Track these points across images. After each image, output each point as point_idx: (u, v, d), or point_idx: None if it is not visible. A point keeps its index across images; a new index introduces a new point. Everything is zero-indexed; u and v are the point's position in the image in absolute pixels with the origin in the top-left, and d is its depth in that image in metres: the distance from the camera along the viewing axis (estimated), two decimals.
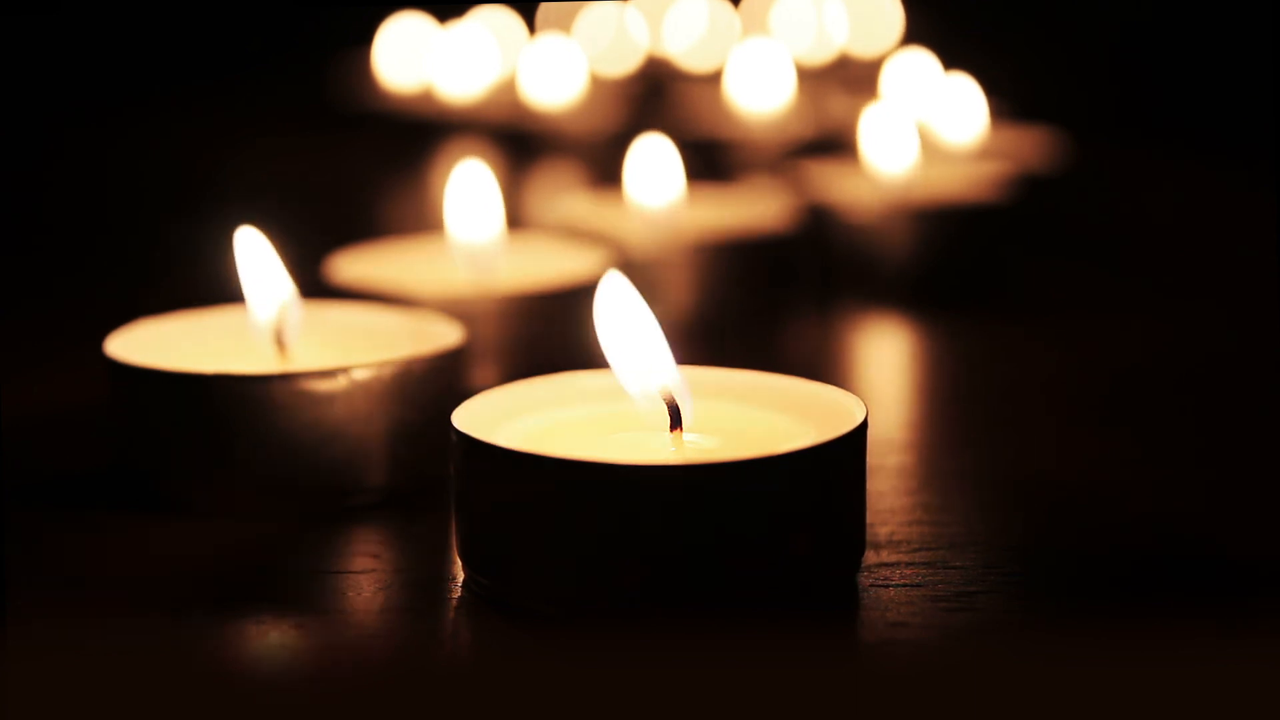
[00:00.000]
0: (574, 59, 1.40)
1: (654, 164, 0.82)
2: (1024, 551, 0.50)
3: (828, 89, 1.39)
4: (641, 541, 0.43)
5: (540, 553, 0.45)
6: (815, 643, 0.44)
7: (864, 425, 0.47)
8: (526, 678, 0.42)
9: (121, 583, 0.48)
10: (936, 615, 0.45)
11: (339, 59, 1.60)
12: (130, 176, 1.28)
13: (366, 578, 0.48)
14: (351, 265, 0.71)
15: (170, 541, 0.51)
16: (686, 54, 1.61)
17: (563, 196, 0.94)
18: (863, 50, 1.59)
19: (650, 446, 0.49)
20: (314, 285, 0.65)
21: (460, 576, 0.48)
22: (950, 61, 1.17)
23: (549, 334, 0.67)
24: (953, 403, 0.71)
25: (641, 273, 0.76)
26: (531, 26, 1.62)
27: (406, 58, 1.54)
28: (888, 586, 0.47)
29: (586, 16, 1.63)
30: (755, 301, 0.80)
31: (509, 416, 0.50)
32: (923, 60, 1.21)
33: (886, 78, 1.20)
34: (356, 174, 1.29)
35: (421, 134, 1.39)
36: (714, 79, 1.40)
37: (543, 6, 1.64)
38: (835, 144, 1.08)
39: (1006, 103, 1.15)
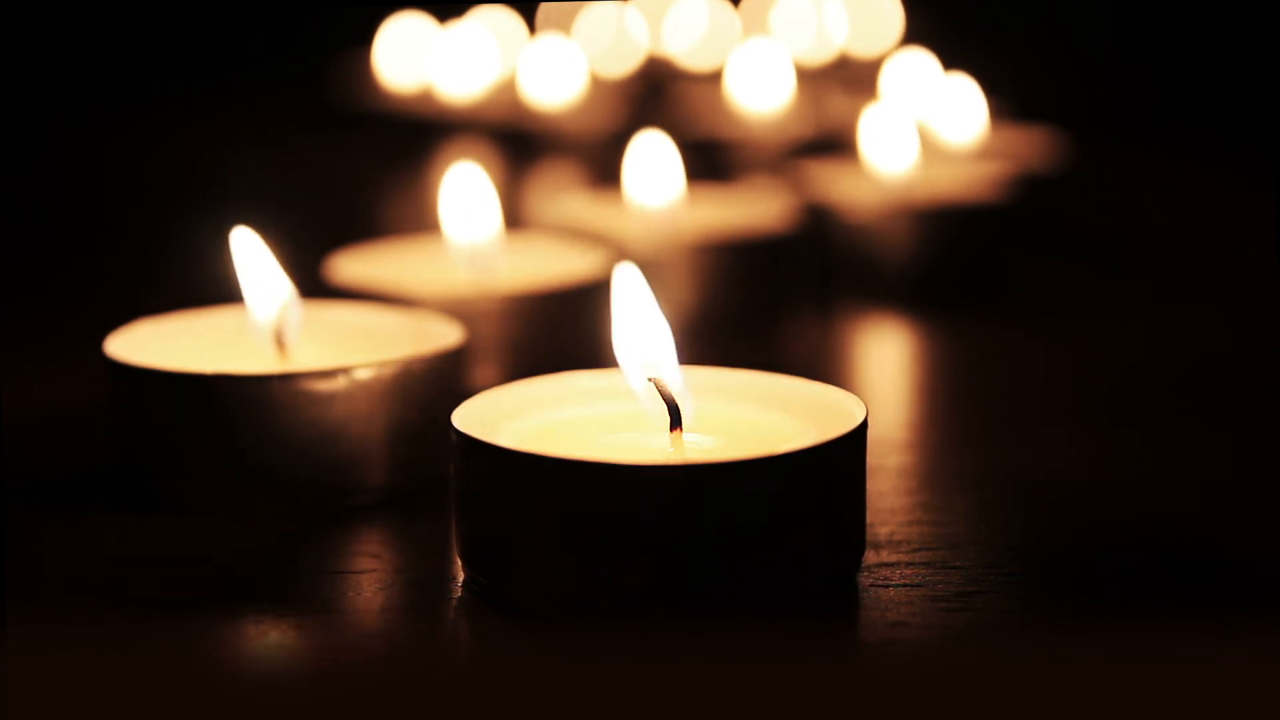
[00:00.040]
0: (574, 59, 1.40)
1: (653, 163, 0.82)
2: (1024, 551, 0.50)
3: (828, 89, 1.39)
4: (641, 541, 0.43)
5: (540, 553, 0.45)
6: (815, 643, 0.44)
7: (864, 425, 0.47)
8: (526, 678, 0.42)
9: (121, 583, 0.48)
10: (936, 615, 0.45)
11: (339, 59, 1.60)
12: (130, 176, 1.28)
13: (366, 578, 0.48)
14: (351, 265, 0.71)
15: (170, 541, 0.51)
16: (686, 54, 1.61)
17: (563, 196, 0.94)
18: (863, 50, 1.59)
19: (650, 446, 0.49)
20: (314, 285, 0.65)
21: (460, 576, 0.48)
22: (950, 61, 1.17)
23: (549, 334, 0.67)
24: (953, 403, 0.71)
25: (641, 272, 0.75)
26: (531, 26, 1.62)
27: (406, 58, 1.54)
28: (888, 586, 0.47)
29: (586, 16, 1.63)
30: (755, 301, 0.80)
31: (509, 416, 0.50)
32: (923, 60, 1.21)
33: (886, 78, 1.20)
34: (356, 174, 1.29)
35: (421, 134, 1.39)
36: (714, 79, 1.40)
37: (543, 6, 1.64)
38: (835, 144, 1.08)
39: (1006, 103, 1.15)
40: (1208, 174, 1.21)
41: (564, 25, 1.61)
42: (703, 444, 0.49)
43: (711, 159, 1.11)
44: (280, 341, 0.58)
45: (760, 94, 1.27)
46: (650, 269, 0.76)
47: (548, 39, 1.46)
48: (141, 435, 0.54)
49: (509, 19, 1.60)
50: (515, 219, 1.02)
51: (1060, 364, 0.73)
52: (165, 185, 1.24)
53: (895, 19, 1.62)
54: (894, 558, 0.49)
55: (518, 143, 1.33)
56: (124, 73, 1.66)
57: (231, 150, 1.38)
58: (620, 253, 0.74)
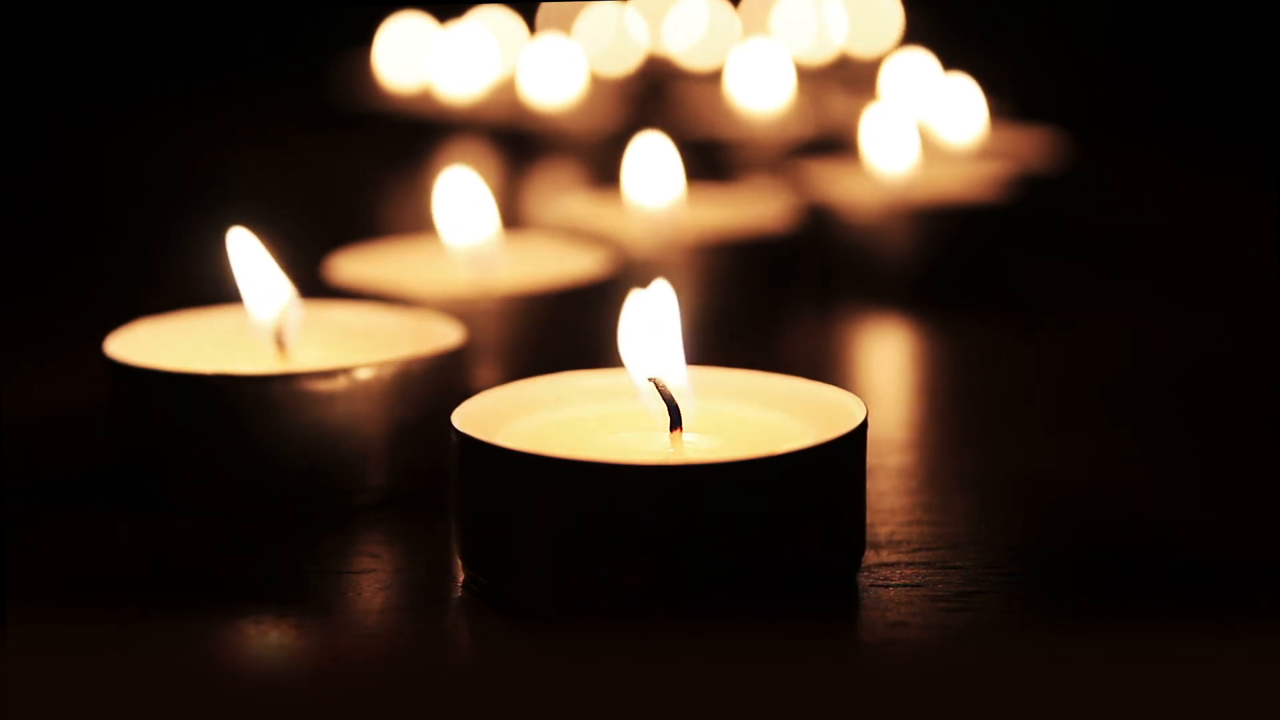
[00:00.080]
0: (574, 59, 1.40)
1: (653, 163, 0.82)
2: (1024, 551, 0.50)
3: (828, 89, 1.39)
4: (641, 541, 0.43)
5: (540, 553, 0.45)
6: (815, 643, 0.44)
7: (864, 425, 0.47)
8: (526, 678, 0.42)
9: (121, 583, 0.48)
10: (936, 615, 0.45)
11: (339, 59, 1.60)
12: (130, 176, 1.28)
13: (366, 578, 0.48)
14: (351, 265, 0.71)
15: (170, 541, 0.51)
16: (686, 54, 1.61)
17: (563, 196, 0.94)
18: (863, 50, 1.59)
19: (650, 446, 0.49)
20: (314, 285, 0.65)
21: (460, 576, 0.48)
22: (950, 61, 1.17)
23: (549, 334, 0.67)
24: (953, 403, 0.71)
25: (641, 273, 0.76)
26: (531, 26, 1.62)
27: (406, 58, 1.54)
28: (888, 586, 0.47)
29: (586, 16, 1.63)
30: (755, 301, 0.80)
31: (509, 416, 0.50)
32: (922, 60, 1.21)
33: (886, 78, 1.20)
34: (356, 174, 1.29)
35: (421, 134, 1.39)
36: (714, 79, 1.40)
37: (543, 6, 1.64)
38: (835, 144, 1.08)
39: (1006, 103, 1.15)
40: (1208, 174, 1.21)
41: (564, 25, 1.61)
42: (703, 444, 0.49)
43: (711, 159, 1.11)
44: (280, 341, 0.58)
45: (760, 94, 1.27)
46: (650, 269, 0.77)
47: (548, 39, 1.46)
48: (141, 435, 0.54)
49: (509, 19, 1.60)
50: (515, 219, 1.02)
51: (1060, 364, 0.73)
52: (165, 185, 1.24)
53: (895, 19, 1.62)
54: (894, 558, 0.49)
55: (518, 143, 1.33)
56: (124, 73, 1.66)
57: (231, 150, 1.38)
58: (620, 253, 0.74)
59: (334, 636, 0.45)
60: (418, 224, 0.72)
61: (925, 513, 0.53)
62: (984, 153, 1.01)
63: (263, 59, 1.73)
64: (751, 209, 0.84)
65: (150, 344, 0.57)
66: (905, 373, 0.76)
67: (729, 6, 1.68)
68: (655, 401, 0.49)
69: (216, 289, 0.62)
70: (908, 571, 0.48)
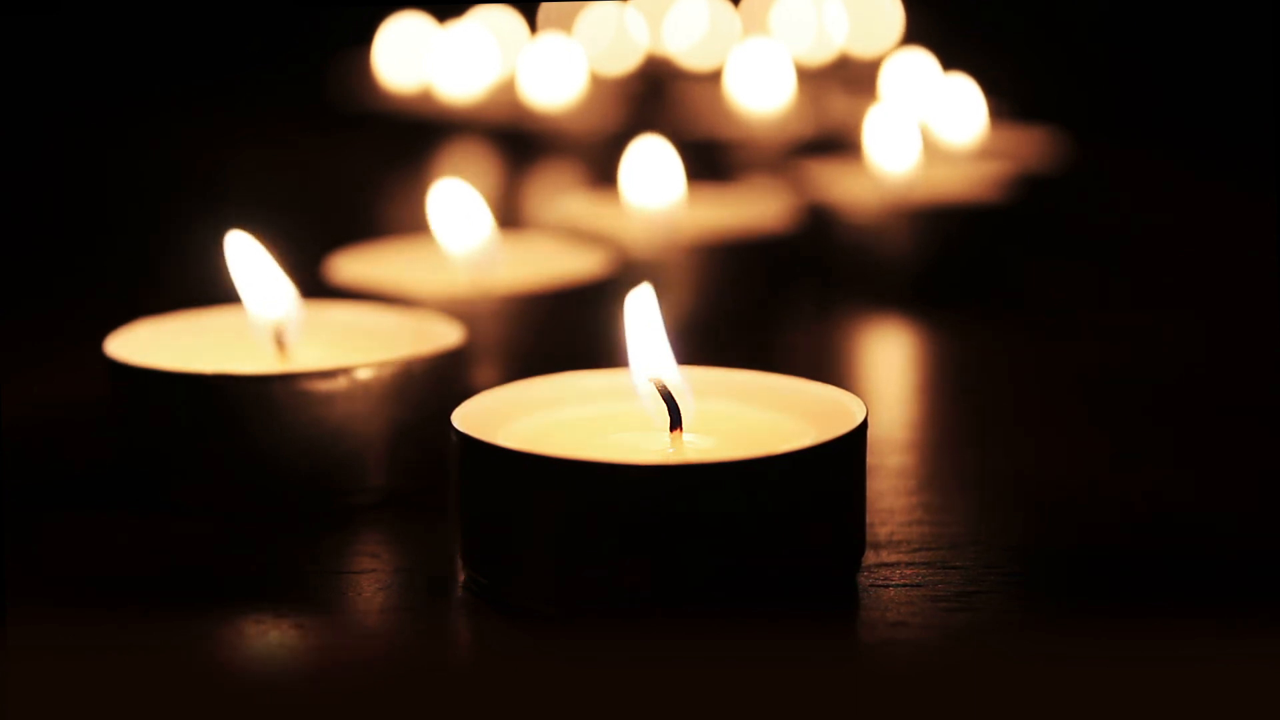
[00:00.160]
0: (574, 59, 1.40)
1: (651, 166, 0.82)
2: (1024, 551, 0.50)
3: (828, 89, 1.39)
4: (641, 542, 0.43)
5: (540, 553, 0.45)
6: (815, 643, 0.44)
7: (864, 425, 0.47)
8: (526, 678, 0.42)
9: (121, 583, 0.48)
10: (936, 615, 0.45)
11: (339, 59, 1.60)
12: (130, 176, 1.28)
13: (366, 578, 0.48)
14: (351, 265, 0.71)
15: (170, 541, 0.51)
16: (686, 54, 1.61)
17: (563, 196, 0.94)
18: (863, 50, 1.59)
19: (650, 446, 0.49)
20: (314, 285, 0.65)
21: (460, 576, 0.48)
22: (950, 61, 1.17)
23: (549, 334, 0.67)
24: (953, 403, 0.71)
25: (641, 273, 0.76)
26: (532, 26, 1.62)
27: (406, 58, 1.54)
28: (888, 586, 0.47)
29: (586, 16, 1.63)
30: (755, 301, 0.80)
31: (509, 416, 0.50)
32: (922, 60, 1.21)
33: (886, 78, 1.20)
34: (356, 174, 1.29)
35: (421, 134, 1.39)
36: (714, 79, 1.40)
37: (543, 6, 1.64)
38: (835, 144, 1.08)
39: (1006, 103, 1.15)
40: (1208, 174, 1.21)
41: (564, 25, 1.61)
42: (702, 444, 0.49)
43: (711, 159, 1.11)
44: (280, 341, 0.58)
45: (760, 94, 1.27)
46: (650, 269, 0.77)
47: (548, 39, 1.46)
48: (141, 435, 0.54)
49: (509, 19, 1.60)
50: (515, 219, 1.02)
51: (1060, 364, 0.73)
52: (165, 185, 1.24)
53: (895, 19, 1.62)
54: (894, 558, 0.49)
55: (518, 143, 1.33)
56: (124, 73, 1.66)
57: (231, 150, 1.38)
58: (620, 253, 0.74)
59: (334, 636, 0.45)
60: (418, 224, 0.72)
61: (925, 513, 0.53)
62: (984, 153, 1.01)
63: (263, 59, 1.73)
64: (751, 209, 0.84)
65: (150, 344, 0.57)
66: (905, 373, 0.76)
67: (729, 6, 1.68)
68: (655, 401, 0.49)
69: (216, 289, 0.62)
70: (908, 571, 0.48)
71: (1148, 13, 1.52)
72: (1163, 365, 0.72)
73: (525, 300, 0.66)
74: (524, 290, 0.67)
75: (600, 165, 1.16)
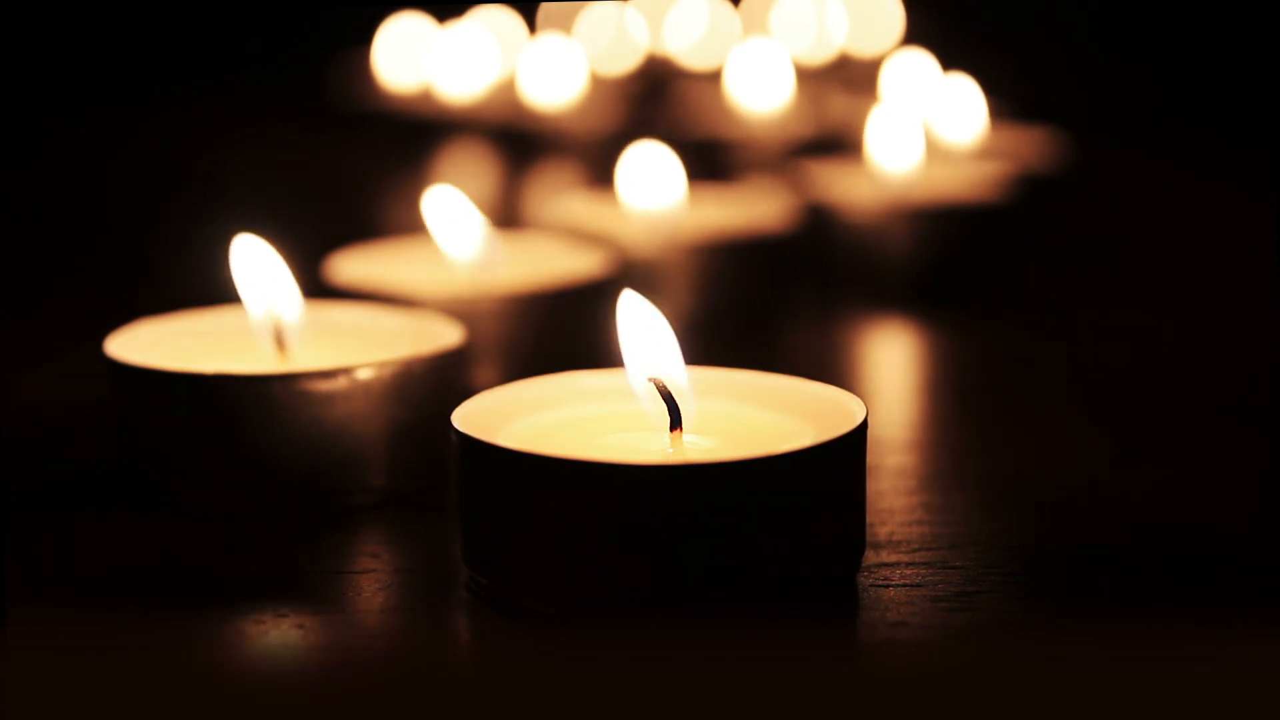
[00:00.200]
0: (574, 59, 1.40)
1: (650, 171, 0.82)
2: (1024, 551, 0.50)
3: (828, 89, 1.39)
4: (641, 542, 0.43)
5: (540, 553, 0.45)
6: (815, 643, 0.44)
7: (864, 425, 0.47)
8: (526, 678, 0.42)
9: (122, 583, 0.48)
10: (936, 615, 0.45)
11: (339, 59, 1.60)
12: (130, 176, 1.28)
13: (366, 578, 0.48)
14: (351, 265, 0.71)
15: (170, 541, 0.51)
16: (686, 54, 1.61)
17: (563, 196, 0.94)
18: (863, 50, 1.59)
19: (650, 446, 0.49)
20: (314, 285, 0.65)
21: (460, 576, 0.48)
22: (950, 61, 1.17)
23: (549, 334, 0.67)
24: (953, 403, 0.71)
25: (642, 273, 0.76)
26: (531, 26, 1.62)
27: (406, 58, 1.54)
28: (888, 586, 0.47)
29: (586, 16, 1.63)
30: (755, 301, 0.80)
31: (509, 416, 0.50)
32: (922, 60, 1.21)
33: (886, 78, 1.20)
34: (356, 174, 1.29)
35: (421, 134, 1.39)
36: (714, 79, 1.40)
37: (543, 6, 1.64)
38: (835, 144, 1.08)
39: (1006, 103, 1.15)
40: (1208, 174, 1.21)
41: (564, 25, 1.61)
42: (703, 444, 0.49)
43: (711, 159, 1.11)
44: (280, 341, 0.58)
45: (760, 94, 1.27)
46: (650, 269, 0.77)
47: (548, 39, 1.46)
48: (141, 435, 0.54)
49: (509, 19, 1.60)
50: (515, 219, 1.02)
51: (1060, 364, 0.73)
52: (165, 185, 1.24)
53: (895, 19, 1.62)
54: (894, 558, 0.49)
55: (518, 143, 1.33)
56: (124, 73, 1.66)
57: (231, 150, 1.38)
58: (620, 253, 0.74)
59: (334, 636, 0.45)
60: (418, 224, 0.72)
61: (925, 513, 0.53)
62: (984, 153, 1.01)
63: (263, 59, 1.73)
64: (751, 209, 0.84)
65: (150, 344, 0.57)
66: (905, 373, 0.76)
67: (729, 6, 1.68)
68: (655, 402, 0.49)
69: (216, 289, 0.62)
70: (908, 571, 0.48)
71: (1148, 13, 1.52)
72: (1163, 365, 0.72)
73: (525, 300, 0.66)
74: (524, 290, 0.67)
75: (600, 165, 1.17)
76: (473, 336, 0.62)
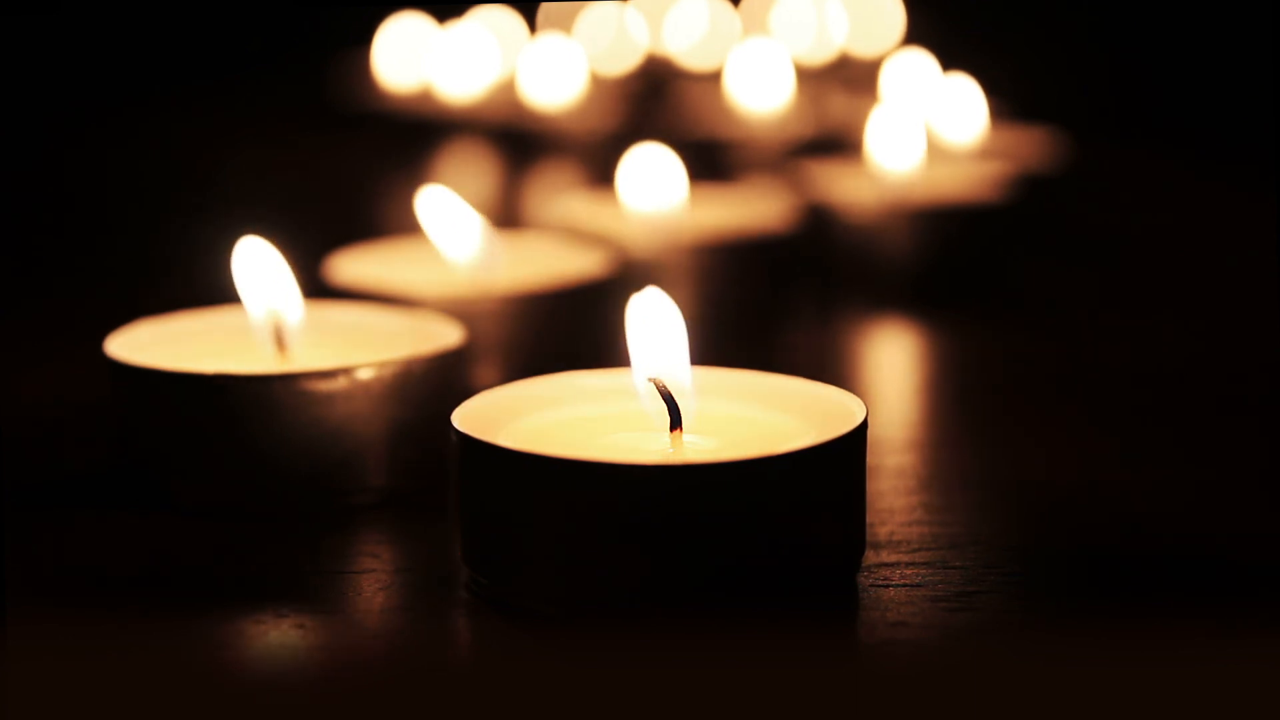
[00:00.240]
0: (574, 59, 1.40)
1: (651, 173, 0.82)
2: (1024, 551, 0.50)
3: (828, 89, 1.39)
4: (641, 542, 0.43)
5: (540, 553, 0.45)
6: (815, 643, 0.44)
7: (864, 425, 0.47)
8: (526, 678, 0.42)
9: (121, 583, 0.48)
10: (936, 615, 0.45)
11: (339, 59, 1.60)
12: (130, 176, 1.28)
13: (366, 578, 0.48)
14: (351, 265, 0.71)
15: (170, 541, 0.51)
16: (686, 54, 1.61)
17: (563, 196, 0.94)
18: (863, 50, 1.59)
19: (650, 446, 0.49)
20: (314, 285, 0.65)
21: (460, 576, 0.48)
22: (950, 61, 1.17)
23: (549, 334, 0.67)
24: (953, 403, 0.71)
25: (641, 273, 0.76)
26: (531, 26, 1.62)
27: (406, 58, 1.54)
28: (888, 586, 0.47)
29: (586, 16, 1.63)
30: (755, 301, 0.80)
31: (509, 416, 0.50)
32: (923, 60, 1.21)
33: (886, 78, 1.20)
34: (356, 174, 1.29)
35: (421, 134, 1.39)
36: (714, 79, 1.40)
37: (543, 6, 1.64)
38: (835, 144, 1.08)
39: (1006, 103, 1.15)
40: (1208, 174, 1.21)
41: (564, 25, 1.61)
42: (703, 444, 0.49)
43: (712, 159, 1.11)
44: (280, 341, 0.58)
45: (760, 94, 1.27)
46: (650, 269, 0.77)
47: (548, 39, 1.46)
48: (141, 435, 0.54)
49: (509, 19, 1.60)
50: (515, 219, 1.02)
51: (1060, 364, 0.73)
52: (165, 185, 1.24)
53: (895, 19, 1.62)
54: (894, 558, 0.49)
55: (517, 143, 1.33)
56: (124, 73, 1.66)
57: (231, 150, 1.38)
58: (620, 253, 0.74)
59: (334, 636, 0.45)
60: (417, 224, 0.72)
61: (925, 513, 0.53)
62: (984, 153, 1.01)
63: (263, 59, 1.72)
64: (752, 209, 0.84)
65: (150, 344, 0.57)
66: (905, 373, 0.76)
67: (729, 6, 1.68)
68: (655, 402, 0.49)
69: (217, 289, 0.62)
70: (908, 571, 0.48)
71: (1148, 13, 1.52)
72: (1163, 365, 0.72)
73: (525, 300, 0.66)
74: (524, 290, 0.67)
75: (600, 165, 1.16)
76: (473, 336, 0.62)
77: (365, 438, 0.53)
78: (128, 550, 0.51)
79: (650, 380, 0.49)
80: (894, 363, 0.77)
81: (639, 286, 0.51)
